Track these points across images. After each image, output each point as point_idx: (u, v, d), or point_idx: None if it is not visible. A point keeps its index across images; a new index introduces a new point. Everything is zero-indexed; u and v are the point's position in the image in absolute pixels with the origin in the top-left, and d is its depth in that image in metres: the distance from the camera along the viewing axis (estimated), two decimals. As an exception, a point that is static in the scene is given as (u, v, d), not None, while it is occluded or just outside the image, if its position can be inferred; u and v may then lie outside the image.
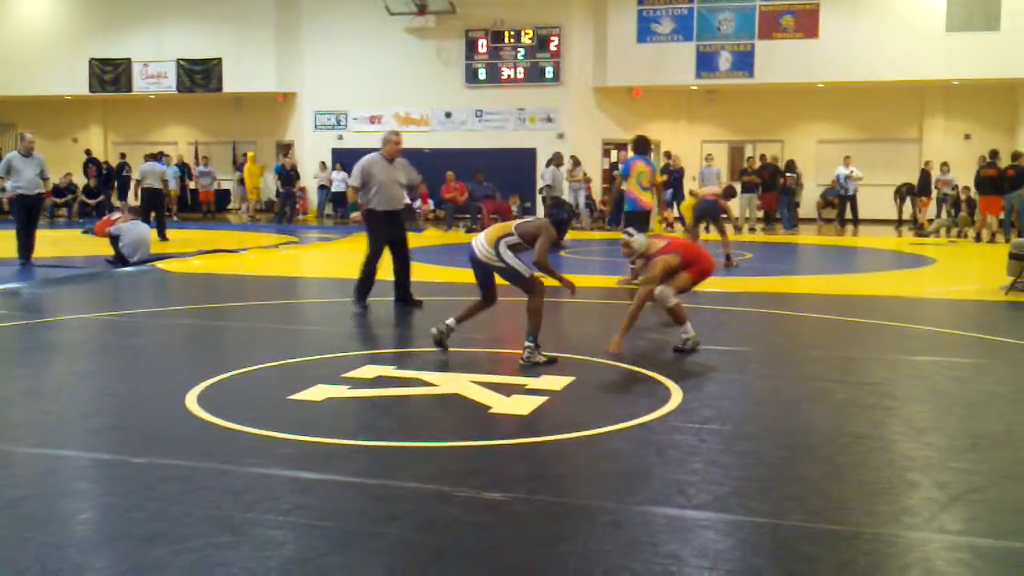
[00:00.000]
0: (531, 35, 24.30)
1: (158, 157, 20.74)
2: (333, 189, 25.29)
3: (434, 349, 7.22)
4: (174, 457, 4.69)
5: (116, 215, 17.95)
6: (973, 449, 4.94)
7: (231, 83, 26.34)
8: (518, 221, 7.24)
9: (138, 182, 18.81)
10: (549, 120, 24.56)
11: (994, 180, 19.08)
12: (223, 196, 27.86)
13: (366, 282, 9.74)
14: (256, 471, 4.47)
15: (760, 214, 22.73)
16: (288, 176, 24.30)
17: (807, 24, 22.83)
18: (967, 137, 24.11)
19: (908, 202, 22.97)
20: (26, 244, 13.42)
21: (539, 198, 22.94)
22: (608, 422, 5.36)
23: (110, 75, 27.17)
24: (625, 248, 7.66)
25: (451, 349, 7.28)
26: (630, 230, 7.73)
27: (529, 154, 24.41)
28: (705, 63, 23.49)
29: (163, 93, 27.26)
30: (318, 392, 6.01)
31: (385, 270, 9.90)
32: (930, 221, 21.32)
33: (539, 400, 5.84)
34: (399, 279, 9.85)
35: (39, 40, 27.42)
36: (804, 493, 4.25)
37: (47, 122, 29.01)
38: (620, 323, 7.27)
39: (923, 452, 4.89)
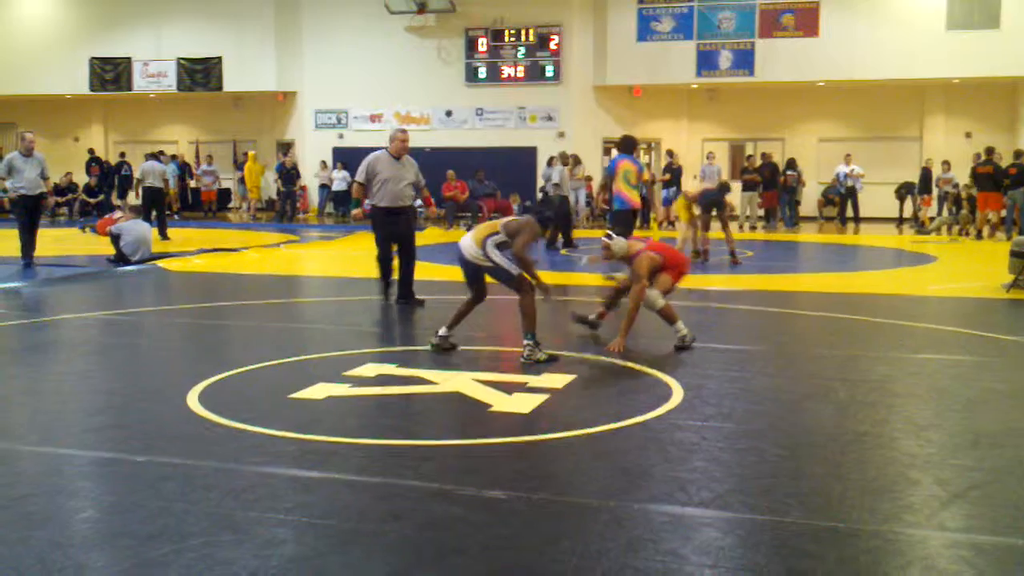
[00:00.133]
0: (531, 34, 24.30)
1: (158, 156, 20.77)
2: (334, 188, 25.32)
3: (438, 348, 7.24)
4: (175, 455, 4.69)
5: (117, 214, 17.98)
6: (974, 447, 4.94)
7: (231, 82, 26.35)
8: (504, 219, 7.24)
9: (139, 181, 18.80)
10: (549, 119, 24.57)
11: (992, 177, 19.09)
12: (224, 195, 27.87)
13: (383, 274, 9.95)
14: (257, 470, 4.48)
15: (761, 212, 22.72)
16: (289, 175, 24.31)
17: (807, 22, 22.84)
18: (968, 135, 24.11)
19: (909, 200, 22.96)
20: (28, 243, 13.41)
21: (539, 197, 22.95)
22: (609, 420, 5.36)
23: (110, 74, 27.18)
24: (606, 251, 7.69)
25: (457, 348, 7.31)
26: (611, 233, 7.81)
27: (529, 153, 24.42)
28: (705, 62, 23.50)
29: (163, 92, 27.27)
30: (319, 390, 6.02)
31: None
32: (931, 219, 21.32)
33: (540, 398, 5.84)
34: (402, 277, 9.85)
35: (40, 39, 27.43)
36: (805, 490, 4.25)
37: (48, 121, 29.05)
38: (620, 324, 7.33)
39: (924, 450, 4.89)
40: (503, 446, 5.00)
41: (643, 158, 26.16)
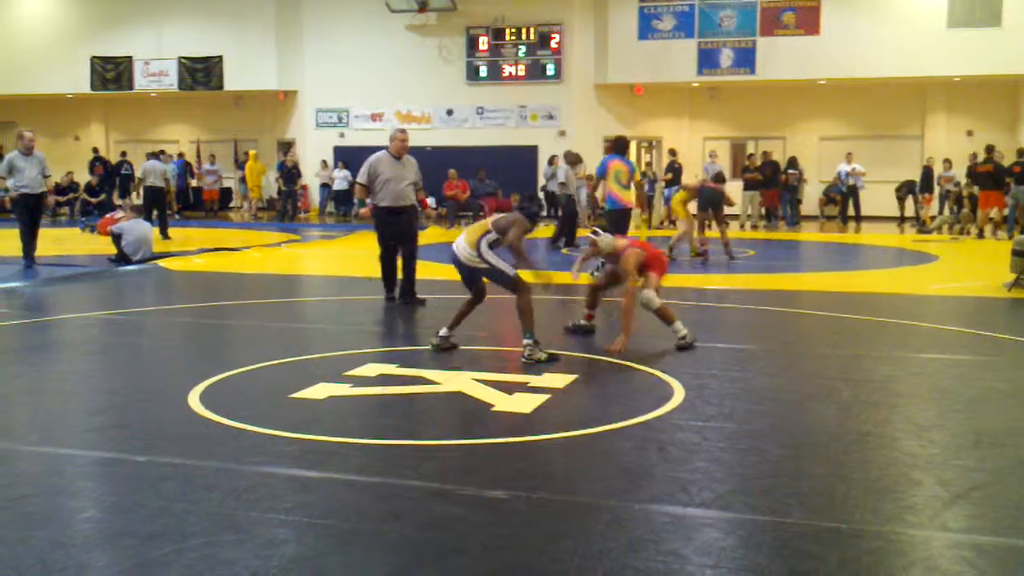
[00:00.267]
0: (532, 32, 24.29)
1: (159, 155, 20.77)
2: (335, 187, 25.32)
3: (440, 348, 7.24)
4: (176, 455, 4.69)
5: (118, 214, 17.98)
6: (976, 446, 4.93)
7: (232, 81, 26.35)
8: (494, 217, 7.23)
9: (140, 180, 18.80)
10: (550, 117, 24.56)
11: (992, 175, 19.08)
12: (226, 195, 27.88)
13: (385, 274, 9.98)
14: (258, 469, 4.47)
15: (762, 211, 22.71)
16: (290, 174, 24.31)
17: (808, 20, 22.83)
18: (969, 133, 24.08)
19: (910, 199, 22.93)
20: (29, 243, 13.38)
21: (541, 196, 22.95)
22: (610, 420, 5.35)
23: (111, 73, 27.18)
24: (593, 247, 7.70)
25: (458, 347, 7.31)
26: (597, 229, 7.86)
27: (530, 152, 24.42)
28: (707, 60, 23.49)
29: (164, 91, 27.28)
30: (320, 390, 6.01)
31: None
32: (933, 218, 21.31)
33: (541, 398, 5.84)
34: (404, 276, 9.89)
35: (40, 39, 27.44)
36: (807, 491, 4.24)
37: (49, 121, 29.05)
38: (624, 327, 7.35)
39: (926, 450, 4.88)
40: (504, 446, 5.00)
41: (644, 157, 26.21)
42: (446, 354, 7.18)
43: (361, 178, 9.91)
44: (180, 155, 27.11)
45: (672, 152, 23.09)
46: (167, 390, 6.16)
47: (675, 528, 3.81)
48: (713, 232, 14.95)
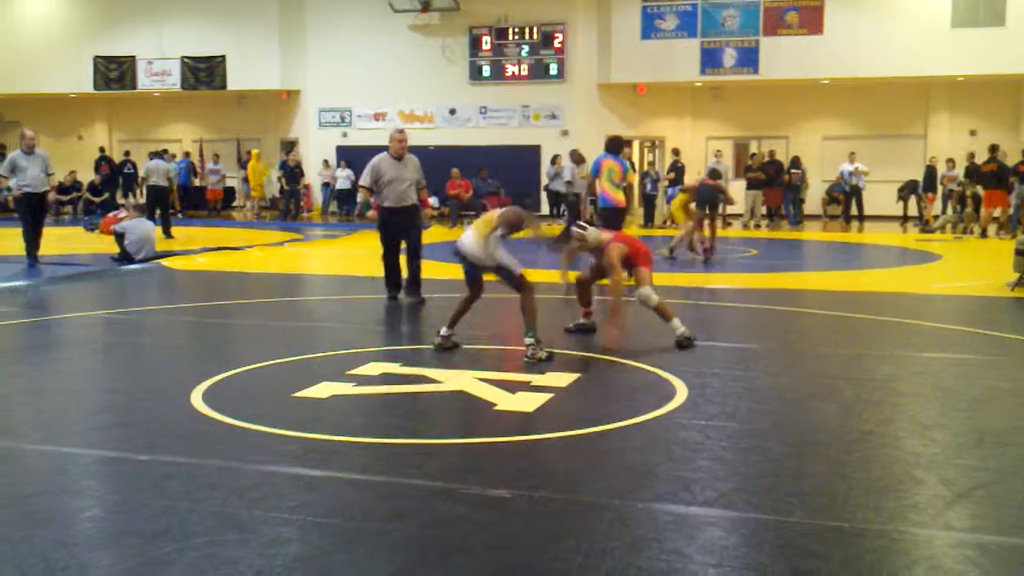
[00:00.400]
0: (535, 32, 24.29)
1: (162, 155, 20.78)
2: (337, 187, 25.35)
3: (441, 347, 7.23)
4: (179, 454, 4.69)
5: (121, 213, 17.99)
6: (979, 446, 4.93)
7: (235, 81, 26.38)
8: (496, 212, 7.17)
9: (143, 179, 18.80)
10: (553, 117, 24.56)
11: (996, 175, 19.06)
12: (229, 194, 27.89)
13: (387, 274, 10.04)
14: (261, 468, 4.48)
15: (764, 210, 22.71)
16: (293, 173, 24.32)
17: (812, 20, 22.82)
18: (972, 133, 24.06)
19: (913, 198, 22.91)
20: (32, 242, 13.38)
21: (543, 195, 22.96)
22: (613, 419, 5.35)
23: (115, 73, 27.22)
24: (580, 242, 7.72)
25: (460, 346, 7.31)
26: (583, 224, 7.87)
27: (533, 151, 24.41)
28: (710, 59, 23.48)
29: (167, 91, 27.31)
30: (323, 389, 6.02)
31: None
32: (936, 217, 21.29)
33: (544, 397, 5.84)
34: (408, 273, 10.02)
35: (44, 38, 27.48)
36: (810, 490, 4.24)
37: (52, 120, 29.09)
38: (612, 320, 7.42)
39: (929, 449, 4.88)
40: (507, 445, 5.00)
41: (647, 156, 26.21)
42: (449, 353, 7.19)
43: (364, 181, 10.00)
44: (186, 154, 27.16)
45: (675, 152, 23.08)
46: (170, 389, 6.17)
47: (678, 527, 3.81)
48: (704, 231, 14.93)
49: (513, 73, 24.63)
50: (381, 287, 10.18)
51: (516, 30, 24.47)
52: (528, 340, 6.91)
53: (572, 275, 8.16)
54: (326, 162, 25.78)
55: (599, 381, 6.50)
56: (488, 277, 7.31)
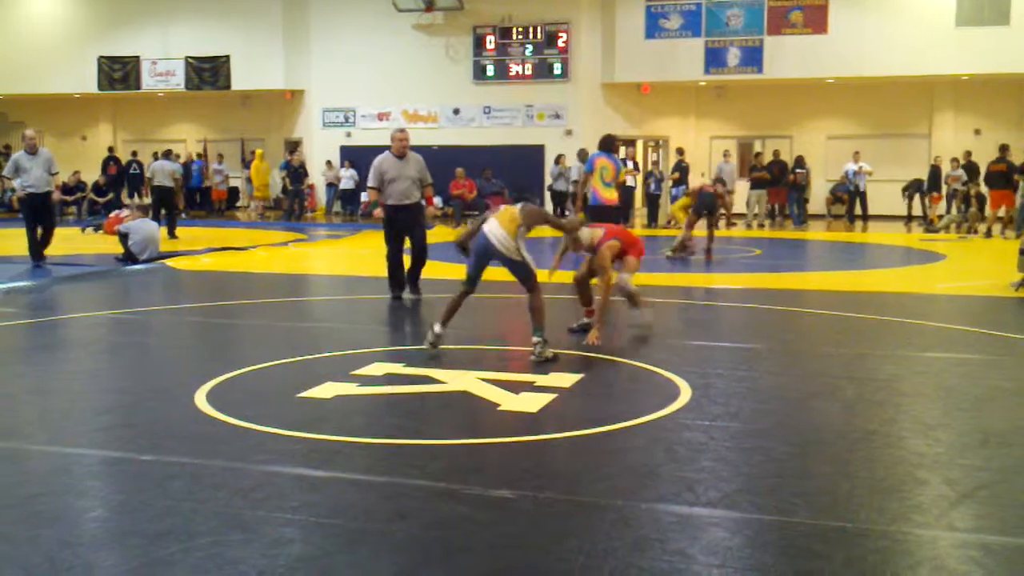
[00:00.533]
0: (539, 32, 24.27)
1: (167, 155, 20.80)
2: (341, 186, 25.36)
3: (443, 347, 7.20)
4: (183, 454, 4.70)
5: (124, 212, 18.01)
6: (982, 446, 4.92)
7: (239, 81, 26.39)
8: (516, 209, 7.16)
9: (149, 180, 18.81)
10: (557, 116, 24.54)
11: (1004, 174, 19.03)
12: (233, 194, 27.91)
13: (390, 273, 10.12)
14: (265, 468, 4.48)
15: (768, 209, 22.70)
16: (297, 174, 24.34)
17: (816, 19, 22.78)
18: (977, 132, 24.02)
19: (917, 198, 22.89)
20: (35, 242, 13.39)
21: (547, 195, 22.94)
22: (617, 419, 5.35)
23: (119, 73, 27.25)
24: (574, 243, 7.80)
25: (460, 347, 7.31)
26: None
27: (537, 151, 24.39)
28: (714, 59, 23.45)
29: (172, 91, 27.33)
30: (327, 389, 6.02)
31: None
32: (940, 217, 21.26)
33: (548, 397, 5.84)
34: (410, 268, 10.17)
35: (48, 39, 27.51)
36: (813, 490, 4.24)
37: (56, 120, 29.14)
38: (599, 320, 7.55)
39: (932, 449, 4.87)
40: (510, 445, 5.00)
41: (651, 156, 26.20)
42: (452, 353, 7.18)
43: (371, 182, 10.12)
44: (199, 155, 27.20)
45: (679, 151, 23.06)
46: (174, 389, 6.18)
47: (681, 527, 3.81)
48: (701, 232, 14.94)
49: (517, 73, 24.61)
50: (386, 287, 10.19)
51: (520, 30, 24.45)
52: (536, 339, 6.92)
53: (558, 274, 8.33)
54: (329, 163, 25.78)
55: (602, 381, 6.50)
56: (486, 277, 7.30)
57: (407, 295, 10.09)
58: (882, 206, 23.06)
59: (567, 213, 20.76)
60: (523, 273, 7.08)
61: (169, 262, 13.73)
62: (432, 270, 11.06)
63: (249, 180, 26.24)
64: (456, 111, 25.15)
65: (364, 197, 20.08)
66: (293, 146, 26.19)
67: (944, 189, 21.82)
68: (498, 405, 5.68)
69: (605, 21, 24.25)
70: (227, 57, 26.32)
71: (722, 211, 15.29)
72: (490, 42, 24.65)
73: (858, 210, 22.31)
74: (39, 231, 13.42)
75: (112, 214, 19.38)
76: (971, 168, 21.08)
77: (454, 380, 6.29)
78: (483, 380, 6.26)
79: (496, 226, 7.05)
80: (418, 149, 10.55)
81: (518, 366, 6.86)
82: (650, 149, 26.35)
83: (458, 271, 7.51)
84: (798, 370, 6.88)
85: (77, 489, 4.32)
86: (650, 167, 25.29)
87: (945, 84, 24.02)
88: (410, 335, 8.71)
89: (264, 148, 26.58)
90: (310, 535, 3.72)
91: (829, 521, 3.85)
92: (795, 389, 6.27)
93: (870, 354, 7.29)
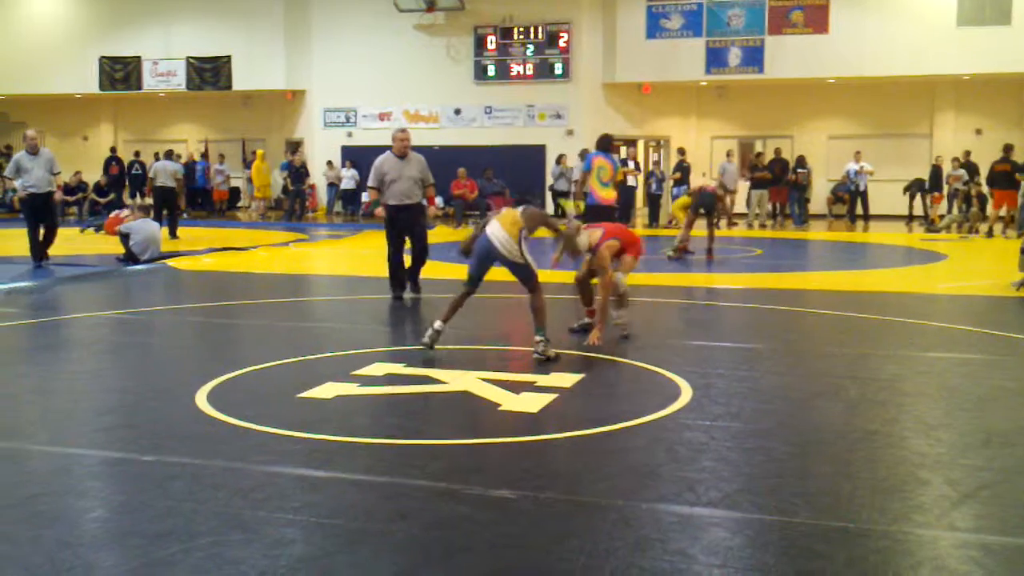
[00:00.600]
0: (540, 32, 24.27)
1: (169, 155, 20.80)
2: (343, 186, 25.36)
3: (443, 347, 7.20)
4: (184, 455, 4.70)
5: (124, 212, 18.01)
6: (984, 446, 4.92)
7: (240, 81, 26.39)
8: (517, 212, 7.19)
9: (151, 180, 18.82)
10: (558, 116, 24.54)
11: (1008, 174, 19.02)
12: (234, 194, 27.92)
13: (391, 273, 10.16)
14: (265, 469, 4.48)
15: (769, 208, 22.69)
16: (298, 174, 24.34)
17: (817, 19, 22.76)
18: (978, 132, 24.01)
19: (919, 198, 22.88)
20: (36, 243, 13.39)
21: (549, 195, 22.94)
22: (618, 419, 5.35)
23: (120, 73, 27.25)
24: (571, 251, 7.82)
25: (461, 347, 7.30)
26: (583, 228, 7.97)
27: (538, 151, 24.39)
28: (715, 59, 23.44)
29: (173, 91, 27.33)
30: (327, 390, 6.02)
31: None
32: (942, 217, 21.25)
33: (548, 397, 5.84)
34: (411, 266, 10.23)
35: (49, 39, 27.52)
36: (814, 490, 4.23)
37: (57, 121, 29.15)
38: (600, 320, 7.54)
39: (934, 449, 4.87)
40: (511, 445, 5.00)
41: (652, 156, 26.20)
42: (453, 353, 7.18)
43: (372, 182, 10.18)
44: (204, 155, 27.20)
45: (681, 151, 23.06)
46: (175, 389, 6.18)
47: (682, 527, 3.81)
48: (701, 231, 14.94)
49: (518, 73, 24.60)
50: (387, 287, 10.20)
51: (521, 30, 24.44)
52: (538, 338, 6.93)
53: (558, 273, 8.37)
54: (330, 163, 25.78)
55: (603, 381, 6.50)
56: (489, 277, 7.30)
57: (407, 294, 10.13)
58: (883, 206, 23.04)
59: (568, 213, 20.75)
60: (525, 274, 7.10)
61: (170, 262, 13.73)
62: (432, 270, 11.08)
63: (250, 180, 26.24)
64: (457, 111, 25.15)
65: (365, 197, 20.08)
66: (294, 146, 26.19)
67: (945, 189, 21.82)
68: (499, 405, 5.68)
69: (606, 21, 24.25)
70: (228, 57, 26.33)
71: (721, 212, 15.26)
72: (491, 42, 24.65)
73: (859, 210, 22.29)
74: (41, 231, 13.43)
75: (112, 214, 19.37)
76: (970, 168, 21.09)
77: (455, 380, 6.29)
78: (484, 380, 6.25)
79: (498, 228, 7.07)
80: (419, 149, 10.57)
81: (519, 366, 6.86)
82: (651, 149, 26.34)
83: (458, 271, 7.49)
84: (799, 370, 6.88)
85: (78, 489, 4.32)
86: (651, 167, 25.27)
87: (946, 84, 24.01)
88: (411, 335, 8.70)
89: (265, 148, 26.58)
90: (311, 535, 3.72)
91: (830, 521, 3.85)
92: (796, 389, 6.26)
93: (872, 354, 7.28)
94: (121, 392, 6.28)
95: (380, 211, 10.20)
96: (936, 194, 21.99)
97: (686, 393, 5.92)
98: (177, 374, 6.86)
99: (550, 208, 22.98)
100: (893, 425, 5.35)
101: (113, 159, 26.77)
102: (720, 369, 6.71)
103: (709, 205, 14.37)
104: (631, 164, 22.50)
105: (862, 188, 22.06)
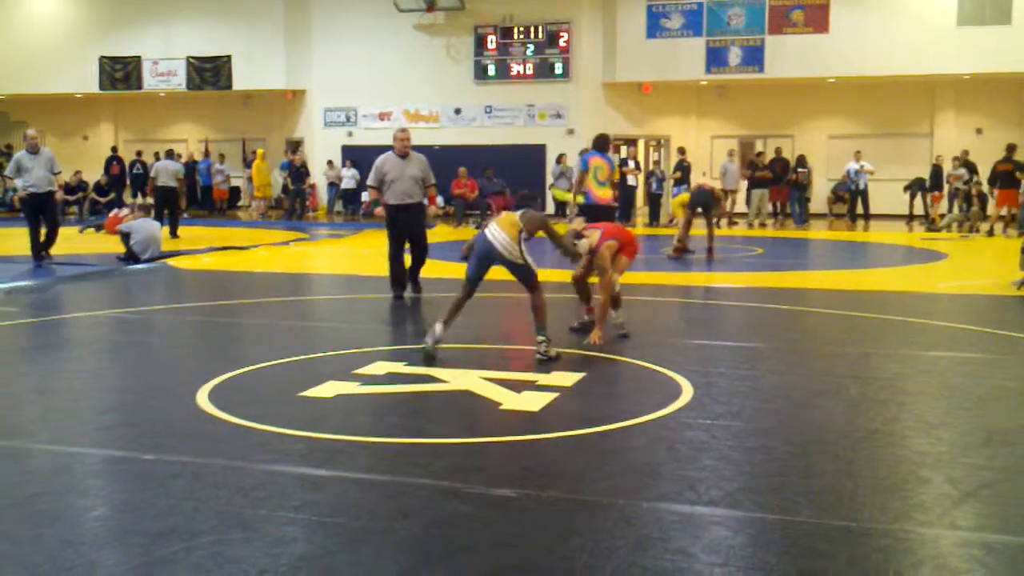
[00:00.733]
0: (540, 31, 24.27)
1: (170, 155, 20.80)
2: (343, 186, 25.36)
3: (445, 346, 7.17)
4: (185, 453, 4.70)
5: (124, 212, 18.01)
6: (985, 445, 4.92)
7: (240, 80, 26.39)
8: (517, 215, 7.21)
9: (152, 180, 18.83)
10: (559, 116, 24.54)
11: (1010, 174, 19.02)
12: (234, 193, 27.92)
13: (392, 273, 10.18)
14: (266, 468, 4.48)
15: (770, 208, 22.69)
16: (298, 173, 24.34)
17: (817, 18, 22.76)
18: (979, 131, 24.01)
19: (919, 197, 22.88)
20: (37, 242, 13.39)
21: (549, 195, 22.94)
22: (619, 418, 5.35)
23: (120, 73, 27.25)
24: (571, 256, 7.85)
25: (462, 346, 7.30)
26: (579, 233, 7.91)
27: (539, 150, 24.39)
28: (715, 58, 23.44)
29: (173, 91, 27.33)
30: (329, 388, 6.02)
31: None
32: (942, 216, 21.25)
33: (550, 396, 5.84)
34: (411, 265, 10.27)
35: (49, 38, 27.52)
36: (816, 489, 4.23)
37: (58, 120, 29.15)
38: (600, 320, 7.58)
39: (935, 448, 4.87)
40: (512, 444, 5.00)
41: (653, 155, 26.20)
42: (454, 353, 7.18)
43: (371, 181, 10.23)
44: (206, 155, 27.20)
45: (681, 151, 23.06)
46: (176, 388, 6.18)
47: (683, 526, 3.80)
48: (701, 231, 14.94)
49: (518, 72, 24.60)
50: (386, 286, 10.21)
51: (521, 29, 24.44)
52: (540, 339, 6.93)
53: (555, 272, 8.36)
54: (330, 162, 25.78)
55: (604, 380, 6.50)
56: (490, 276, 7.30)
57: (408, 293, 10.15)
58: (884, 205, 23.04)
59: (567, 212, 20.75)
60: (524, 274, 7.11)
61: (171, 261, 13.73)
62: (433, 270, 11.08)
63: (250, 180, 26.24)
64: (457, 111, 25.15)
65: (365, 196, 20.07)
66: (294, 146, 26.19)
67: (946, 188, 21.82)
68: (500, 404, 5.68)
69: (606, 21, 24.25)
70: (228, 57, 26.33)
71: (718, 211, 15.26)
72: (491, 42, 24.65)
73: (860, 209, 22.29)
74: (42, 231, 13.43)
75: (111, 213, 19.37)
76: (968, 167, 21.09)
77: (456, 379, 6.29)
78: (485, 379, 6.25)
79: (497, 229, 7.09)
80: (419, 149, 10.59)
81: (520, 365, 6.86)
82: (651, 149, 26.34)
83: (459, 271, 7.48)
84: (800, 369, 6.88)
85: (79, 488, 4.32)
86: (651, 166, 25.27)
87: (947, 83, 24.00)
88: (412, 334, 8.70)
89: (265, 148, 26.57)
90: (312, 534, 3.72)
91: (832, 520, 3.84)
92: (798, 388, 6.26)
93: (873, 353, 7.28)
94: (122, 391, 6.28)
95: (379, 211, 10.26)
96: (936, 193, 22.00)
97: (687, 392, 5.92)
98: (178, 373, 6.86)
99: (550, 208, 23.01)
100: (894, 424, 5.35)
101: (114, 159, 26.78)
102: (721, 368, 6.71)
103: (705, 203, 14.36)
104: (631, 163, 22.51)
105: (862, 187, 22.07)
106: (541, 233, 7.31)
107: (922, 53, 22.01)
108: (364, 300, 10.44)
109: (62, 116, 29.31)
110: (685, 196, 15.32)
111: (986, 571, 3.40)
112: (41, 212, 13.41)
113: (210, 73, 26.56)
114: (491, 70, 24.74)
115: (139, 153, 26.87)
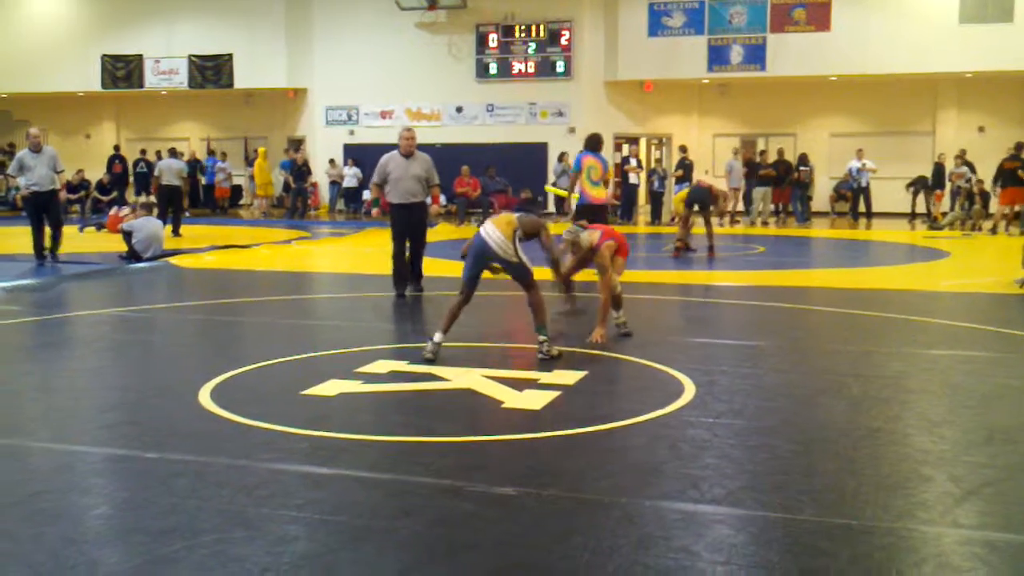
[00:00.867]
0: (542, 29, 24.27)
1: (174, 153, 20.81)
2: (344, 184, 25.37)
3: (446, 345, 7.16)
4: (187, 452, 4.70)
5: (124, 211, 18.02)
6: (988, 443, 4.91)
7: (242, 79, 26.41)
8: (514, 215, 7.21)
9: (156, 178, 18.84)
10: (560, 114, 24.54)
11: (1015, 172, 19.01)
12: (236, 192, 27.93)
13: (395, 271, 10.23)
14: (269, 466, 4.48)
15: (772, 207, 22.68)
16: (300, 172, 24.35)
17: (819, 17, 22.76)
18: (981, 129, 24.01)
19: (921, 195, 22.87)
20: (40, 240, 13.40)
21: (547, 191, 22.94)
22: (621, 417, 5.35)
23: (122, 71, 27.27)
24: (574, 245, 7.85)
25: (464, 345, 7.30)
26: (583, 222, 8.05)
27: (540, 148, 24.39)
28: (716, 56, 23.43)
29: (175, 89, 27.34)
30: (331, 387, 6.02)
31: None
32: (944, 214, 21.24)
33: (552, 395, 5.83)
34: (411, 263, 10.32)
35: (51, 37, 27.54)
36: (818, 487, 4.23)
37: (60, 119, 29.18)
38: (601, 320, 7.62)
39: (938, 446, 4.86)
40: (514, 442, 5.00)
41: (654, 154, 26.20)
42: (456, 351, 7.18)
43: (375, 179, 10.31)
44: (211, 152, 27.22)
45: (683, 149, 23.06)
46: (178, 387, 6.18)
47: (686, 525, 3.80)
48: (700, 230, 14.94)
49: (520, 71, 24.61)
50: (388, 284, 10.22)
51: (523, 28, 24.45)
52: (541, 338, 6.92)
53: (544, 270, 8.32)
54: (332, 161, 25.78)
55: (606, 379, 6.50)
56: (487, 275, 7.29)
57: (410, 292, 10.17)
58: (886, 203, 23.04)
59: (566, 211, 20.75)
60: (520, 273, 7.09)
61: (173, 260, 13.74)
62: (433, 269, 11.09)
63: (252, 178, 26.24)
64: (459, 109, 25.16)
65: (367, 195, 20.10)
66: (296, 144, 26.20)
67: (948, 186, 21.80)
68: (502, 402, 5.68)
69: (608, 19, 24.25)
70: (230, 55, 26.34)
71: (717, 208, 15.24)
72: (493, 40, 24.66)
73: (862, 207, 22.27)
74: (46, 230, 13.44)
75: (112, 211, 19.37)
76: (967, 166, 21.06)
77: (458, 378, 6.29)
78: (487, 377, 6.26)
79: (493, 228, 7.09)
80: (421, 147, 10.59)
81: (522, 363, 6.86)
82: (653, 147, 26.34)
83: (459, 269, 7.48)
84: (803, 367, 6.87)
85: (81, 486, 4.32)
86: (653, 165, 25.27)
87: (949, 81, 23.98)
88: (414, 333, 8.70)
89: (267, 146, 26.56)
90: (314, 532, 3.72)
91: (834, 518, 3.84)
92: (800, 386, 6.26)
93: (875, 351, 7.28)
94: (124, 389, 6.28)
95: (376, 211, 10.44)
96: (939, 191, 21.98)
97: (689, 390, 5.92)
98: (180, 371, 6.86)
99: (550, 207, 23.02)
100: (897, 422, 5.34)
101: (116, 157, 26.80)
102: (723, 366, 6.70)
103: (702, 200, 14.34)
104: (633, 162, 22.52)
105: (864, 185, 22.06)
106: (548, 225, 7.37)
107: (924, 51, 22.00)
108: (366, 298, 10.44)
109: (64, 115, 29.34)
110: (685, 193, 15.33)
111: (988, 569, 3.40)
112: (44, 211, 13.41)
113: (212, 72, 26.58)
114: (493, 68, 24.75)
115: (143, 152, 26.88)
